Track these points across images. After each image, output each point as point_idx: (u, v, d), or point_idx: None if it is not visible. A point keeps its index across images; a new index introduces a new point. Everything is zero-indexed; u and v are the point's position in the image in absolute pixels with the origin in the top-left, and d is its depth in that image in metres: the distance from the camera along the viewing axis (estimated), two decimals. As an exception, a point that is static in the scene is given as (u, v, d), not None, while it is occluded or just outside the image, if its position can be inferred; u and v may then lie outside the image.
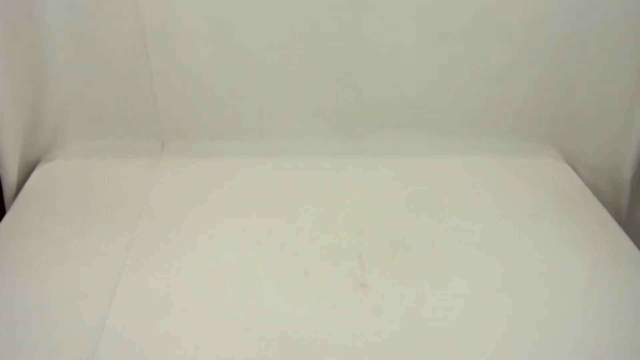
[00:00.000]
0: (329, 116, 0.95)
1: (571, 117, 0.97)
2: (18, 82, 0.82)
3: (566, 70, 0.92)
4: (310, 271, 0.72)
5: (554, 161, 0.99)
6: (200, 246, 0.75)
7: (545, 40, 0.90)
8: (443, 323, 0.66)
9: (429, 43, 0.90)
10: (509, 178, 0.94)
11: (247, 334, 0.63)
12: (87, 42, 0.86)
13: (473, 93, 0.95)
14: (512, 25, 0.89)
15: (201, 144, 0.94)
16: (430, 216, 0.84)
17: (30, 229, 0.76)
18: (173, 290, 0.68)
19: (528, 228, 0.83)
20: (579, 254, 0.78)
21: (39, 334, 0.61)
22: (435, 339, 0.64)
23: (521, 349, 0.64)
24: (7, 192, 0.84)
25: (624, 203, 0.94)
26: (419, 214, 0.84)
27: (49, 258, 0.72)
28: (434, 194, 0.89)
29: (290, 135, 0.95)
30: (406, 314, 0.67)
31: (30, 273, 0.69)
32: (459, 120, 0.97)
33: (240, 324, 0.64)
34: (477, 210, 0.85)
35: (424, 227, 0.81)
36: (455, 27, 0.89)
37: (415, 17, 0.87)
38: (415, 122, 0.97)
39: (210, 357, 0.60)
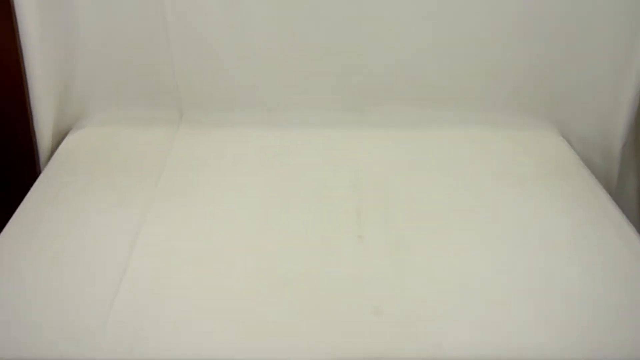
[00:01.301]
0: (334, 90, 1.01)
1: (566, 93, 1.01)
2: (51, 59, 0.91)
3: (560, 48, 0.97)
4: (311, 224, 0.79)
5: (549, 134, 1.04)
6: (212, 201, 0.83)
7: (540, 20, 0.94)
8: (430, 268, 0.73)
9: (430, 19, 0.95)
10: (505, 148, 0.99)
11: (251, 276, 0.70)
12: (112, 22, 0.93)
13: (472, 69, 1.00)
14: (509, 4, 0.93)
15: (216, 114, 1.01)
16: (426, 179, 0.90)
17: (62, 186, 0.85)
18: (188, 237, 0.76)
19: (518, 190, 0.88)
20: (564, 214, 0.83)
21: (69, 273, 0.70)
22: (422, 280, 0.70)
23: (502, 295, 0.69)
24: (42, 155, 0.93)
25: (614, 173, 0.99)
26: (415, 177, 0.90)
27: (78, 209, 0.80)
28: (431, 160, 0.95)
29: (298, 108, 1.02)
30: (397, 260, 0.73)
31: (62, 221, 0.78)
32: (458, 94, 1.03)
33: (245, 268, 0.71)
34: (471, 174, 0.91)
35: (419, 188, 0.87)
36: (456, 3, 0.93)
37: None
38: (416, 96, 1.02)
39: (219, 294, 0.68)
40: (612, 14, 0.91)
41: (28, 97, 0.91)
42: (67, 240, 0.75)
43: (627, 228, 0.81)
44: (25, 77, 0.89)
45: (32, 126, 0.92)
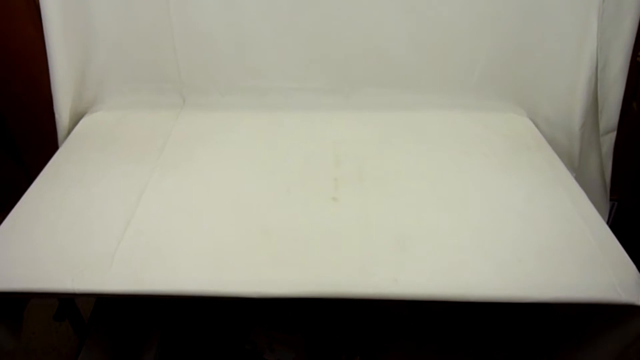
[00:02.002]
0: (320, 76, 1.12)
1: (531, 78, 1.10)
2: (69, 50, 1.03)
3: (526, 36, 1.06)
4: (292, 188, 0.90)
5: (517, 116, 1.14)
6: (208, 169, 0.95)
7: (507, 10, 1.03)
8: (394, 225, 0.83)
9: (408, 10, 1.04)
10: (474, 128, 1.09)
11: (237, 229, 0.81)
12: (124, 20, 1.05)
13: (446, 55, 1.09)
14: None
15: (214, 98, 1.13)
16: (399, 154, 1.00)
17: (78, 158, 0.98)
18: (185, 195, 0.88)
19: (483, 163, 0.98)
20: (522, 181, 0.93)
21: (81, 220, 0.82)
22: (384, 232, 0.81)
23: (455, 243, 0.79)
24: (61, 134, 1.06)
25: (576, 151, 1.07)
26: (390, 151, 1.01)
27: (92, 175, 0.92)
28: (405, 139, 1.05)
29: (287, 92, 1.13)
30: (364, 217, 0.84)
31: (78, 185, 0.90)
32: (433, 79, 1.12)
33: (232, 222, 0.83)
34: (441, 150, 1.01)
35: (391, 161, 0.98)
36: None
37: None
38: (394, 81, 1.12)
39: (208, 239, 0.79)
40: (568, 8, 1.00)
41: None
42: (81, 197, 0.87)
43: (579, 193, 0.91)
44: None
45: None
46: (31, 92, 1.24)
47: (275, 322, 1.15)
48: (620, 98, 1.03)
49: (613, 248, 0.80)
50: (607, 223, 0.85)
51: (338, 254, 0.77)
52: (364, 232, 0.81)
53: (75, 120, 1.10)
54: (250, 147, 1.01)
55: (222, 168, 0.95)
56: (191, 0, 1.04)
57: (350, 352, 1.10)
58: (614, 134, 1.07)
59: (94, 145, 1.02)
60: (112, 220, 0.82)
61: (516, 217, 0.85)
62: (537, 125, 1.11)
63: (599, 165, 1.10)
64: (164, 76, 1.12)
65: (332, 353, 1.11)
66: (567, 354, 0.86)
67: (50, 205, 0.85)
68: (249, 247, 0.78)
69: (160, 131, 1.06)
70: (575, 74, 1.03)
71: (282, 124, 1.08)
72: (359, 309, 1.16)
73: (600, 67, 1.00)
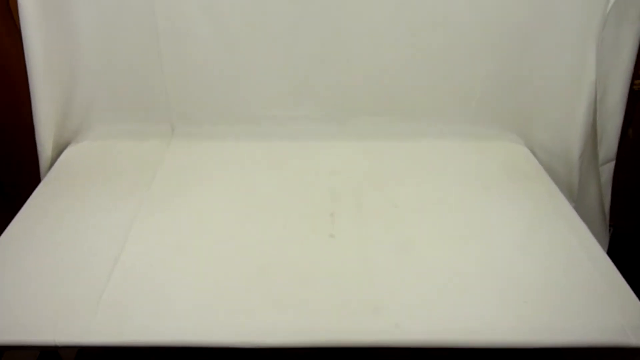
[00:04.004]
0: (315, 104, 1.09)
1: (529, 106, 1.09)
2: (53, 77, 0.99)
3: (524, 65, 1.04)
4: (288, 224, 0.86)
5: (514, 145, 1.12)
6: (199, 203, 0.91)
7: (504, 38, 1.02)
8: (394, 265, 0.79)
9: (404, 38, 1.02)
10: (472, 158, 1.07)
11: (231, 269, 0.78)
12: (110, 43, 1.01)
13: (442, 84, 1.07)
14: (477, 24, 1.00)
15: (205, 128, 1.09)
16: (395, 186, 0.97)
17: (61, 191, 0.93)
18: (175, 235, 0.84)
19: (482, 195, 0.96)
20: (521, 214, 0.91)
21: (63, 264, 0.77)
22: (385, 271, 0.77)
23: (462, 285, 0.76)
24: (43, 165, 1.01)
25: (575, 180, 1.05)
26: (386, 184, 0.98)
27: (76, 211, 0.88)
28: (402, 170, 1.03)
29: (281, 121, 1.10)
30: (363, 256, 0.80)
31: (61, 222, 0.86)
32: (429, 108, 1.10)
33: (226, 262, 0.79)
34: (437, 181, 0.99)
35: (388, 194, 0.95)
36: (427, 24, 1.00)
37: (391, 14, 0.99)
38: (390, 109, 1.10)
39: (201, 282, 0.75)
40: (566, 31, 0.99)
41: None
42: (64, 235, 0.83)
43: (581, 227, 0.88)
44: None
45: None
46: (12, 117, 1.19)
47: None
48: (619, 127, 1.02)
49: (619, 287, 0.77)
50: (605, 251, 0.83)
51: (336, 297, 0.73)
52: (363, 273, 0.77)
53: (59, 151, 1.05)
54: (243, 180, 0.98)
55: (214, 202, 0.91)
56: (179, 26, 1.01)
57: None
58: (612, 164, 1.06)
59: (79, 177, 0.97)
60: (97, 261, 0.78)
61: (518, 252, 0.83)
62: (534, 154, 1.10)
63: (598, 195, 1.08)
64: (152, 104, 1.08)
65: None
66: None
67: (31, 245, 0.81)
68: (244, 289, 0.74)
69: (149, 162, 1.02)
70: (574, 103, 1.02)
71: (275, 155, 1.05)
72: (359, 355, 1.12)
73: (599, 97, 0.98)
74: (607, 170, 1.06)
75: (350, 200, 0.93)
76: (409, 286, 0.75)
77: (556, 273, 0.79)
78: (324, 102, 1.10)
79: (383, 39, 1.03)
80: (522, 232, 0.87)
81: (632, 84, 1.03)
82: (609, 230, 1.35)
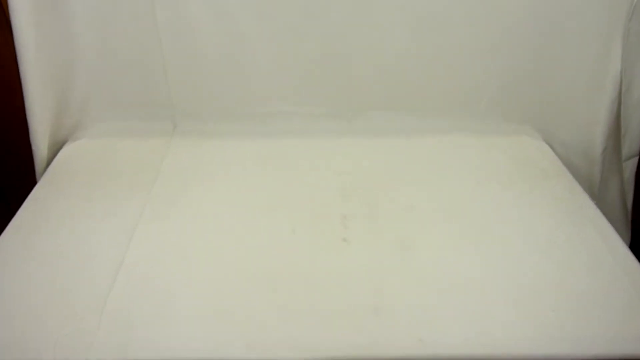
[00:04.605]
0: (323, 100, 1.04)
1: (548, 100, 1.04)
2: (47, 73, 0.94)
3: (542, 56, 0.99)
4: (298, 228, 0.82)
5: (532, 140, 1.06)
6: (204, 206, 0.86)
7: (522, 29, 0.97)
8: (413, 268, 0.75)
9: (415, 30, 0.97)
10: (488, 154, 1.02)
11: (239, 278, 0.73)
12: (108, 36, 0.96)
13: (456, 77, 1.03)
14: (490, 13, 0.95)
15: (208, 125, 1.04)
16: (410, 185, 0.92)
17: (59, 193, 0.88)
18: (179, 239, 0.79)
19: (502, 195, 0.91)
20: (543, 215, 0.86)
21: (62, 276, 0.72)
22: (404, 280, 0.73)
23: (485, 294, 0.72)
24: (38, 166, 0.96)
25: (596, 177, 1.01)
26: (399, 183, 0.93)
27: (76, 213, 0.83)
28: (416, 168, 0.97)
29: (288, 117, 1.05)
30: (379, 263, 0.76)
31: (58, 228, 0.81)
32: (443, 102, 1.05)
33: (234, 270, 0.74)
34: (453, 180, 0.94)
35: (402, 194, 0.90)
36: (438, 14, 0.96)
37: (401, 6, 0.94)
38: (401, 104, 1.05)
39: (208, 294, 0.70)
40: (590, 26, 0.94)
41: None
42: (62, 242, 0.78)
43: (606, 227, 0.84)
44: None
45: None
46: (6, 115, 1.14)
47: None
48: (644, 121, 0.97)
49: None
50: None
51: (353, 308, 0.69)
52: (380, 282, 0.73)
53: (55, 150, 1.00)
54: (250, 180, 0.93)
55: (219, 205, 0.86)
56: (181, 16, 0.96)
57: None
58: (636, 159, 1.01)
59: (76, 178, 0.92)
60: (98, 269, 0.73)
61: (542, 256, 0.78)
62: (553, 150, 1.05)
63: (620, 193, 1.03)
64: (153, 100, 1.03)
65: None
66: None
67: (27, 253, 0.76)
68: (254, 301, 0.69)
69: (150, 162, 0.97)
70: (597, 95, 0.97)
71: (282, 153, 1.00)
72: None
73: (624, 89, 0.93)
74: (630, 166, 1.01)
75: (362, 201, 0.88)
76: (431, 297, 0.71)
77: (583, 279, 0.74)
78: (332, 97, 1.05)
79: (393, 31, 0.97)
80: (546, 234, 0.82)
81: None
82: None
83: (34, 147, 0.95)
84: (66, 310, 0.67)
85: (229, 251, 0.77)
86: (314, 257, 0.77)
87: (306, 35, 0.98)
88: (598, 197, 1.02)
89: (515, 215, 0.86)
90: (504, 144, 1.05)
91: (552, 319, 0.68)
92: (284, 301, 0.69)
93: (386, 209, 0.86)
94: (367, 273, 0.74)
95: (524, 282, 0.74)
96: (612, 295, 0.72)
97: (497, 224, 0.84)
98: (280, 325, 0.66)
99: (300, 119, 1.05)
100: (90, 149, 1.01)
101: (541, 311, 0.69)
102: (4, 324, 0.66)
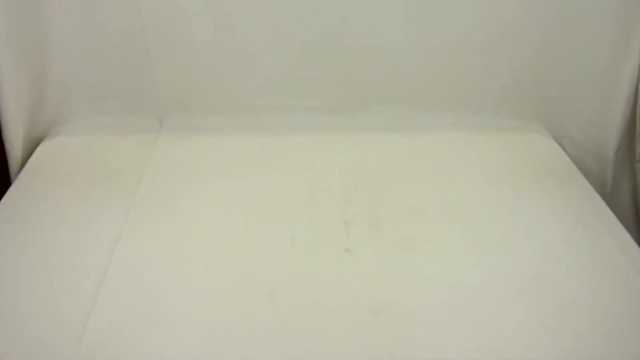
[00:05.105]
0: (322, 94, 0.99)
1: (558, 96, 0.99)
2: (22, 63, 0.87)
3: (551, 51, 0.95)
4: (297, 236, 0.76)
5: (541, 137, 1.01)
6: (194, 211, 0.80)
7: (529, 21, 0.92)
8: (423, 287, 0.69)
9: (419, 23, 0.92)
10: (496, 152, 0.96)
11: (234, 292, 0.67)
12: (88, 24, 0.90)
13: (462, 71, 0.98)
14: (500, 7, 0.91)
15: (197, 120, 0.98)
16: (415, 185, 0.87)
17: (36, 196, 0.81)
18: (168, 248, 0.73)
19: (510, 196, 0.85)
20: (556, 218, 0.81)
21: (40, 292, 0.66)
22: (414, 301, 0.67)
23: (495, 302, 0.67)
24: (13, 165, 0.89)
25: (608, 177, 0.97)
26: (405, 183, 0.87)
27: (54, 219, 0.77)
28: (421, 166, 0.92)
29: (283, 112, 0.99)
30: (384, 276, 0.70)
31: (38, 232, 0.74)
32: (448, 97, 1.00)
33: (228, 283, 0.68)
34: (461, 180, 0.89)
35: (408, 196, 0.84)
36: (443, 6, 0.91)
37: None
38: (405, 99, 1.00)
39: (199, 310, 0.64)
40: (604, 16, 0.89)
41: None
42: (39, 255, 0.71)
43: (620, 231, 0.79)
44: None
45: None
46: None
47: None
48: (660, 120, 0.92)
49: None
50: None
51: (359, 328, 0.63)
52: (387, 297, 0.67)
53: (31, 148, 0.93)
54: (244, 181, 0.86)
55: (212, 208, 0.80)
56: (166, 1, 0.88)
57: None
58: (650, 160, 0.96)
59: (54, 179, 0.85)
60: (79, 283, 0.66)
61: (558, 267, 0.73)
62: (563, 149, 1.00)
63: (632, 195, 0.99)
64: (137, 93, 0.97)
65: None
66: None
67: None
68: (250, 318, 0.63)
69: (135, 161, 0.90)
70: (611, 92, 0.92)
71: (278, 151, 0.93)
72: None
73: (641, 85, 0.89)
74: (645, 167, 0.97)
75: (365, 205, 0.82)
76: (443, 314, 0.65)
77: (604, 294, 0.69)
78: (332, 90, 0.99)
79: (397, 21, 0.92)
80: (560, 242, 0.77)
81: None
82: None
83: (7, 145, 0.88)
84: (39, 340, 0.60)
85: (222, 261, 0.71)
86: (315, 269, 0.71)
87: (303, 21, 0.92)
88: (609, 200, 0.97)
89: (524, 218, 0.81)
90: (512, 141, 0.99)
91: (576, 343, 0.63)
92: (284, 321, 0.63)
93: (389, 214, 0.81)
94: (372, 288, 0.68)
95: (533, 286, 0.69)
96: (624, 297, 0.68)
97: (509, 231, 0.79)
98: (278, 342, 0.61)
99: (299, 114, 0.99)
100: (69, 147, 0.94)
101: (565, 335, 0.64)
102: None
